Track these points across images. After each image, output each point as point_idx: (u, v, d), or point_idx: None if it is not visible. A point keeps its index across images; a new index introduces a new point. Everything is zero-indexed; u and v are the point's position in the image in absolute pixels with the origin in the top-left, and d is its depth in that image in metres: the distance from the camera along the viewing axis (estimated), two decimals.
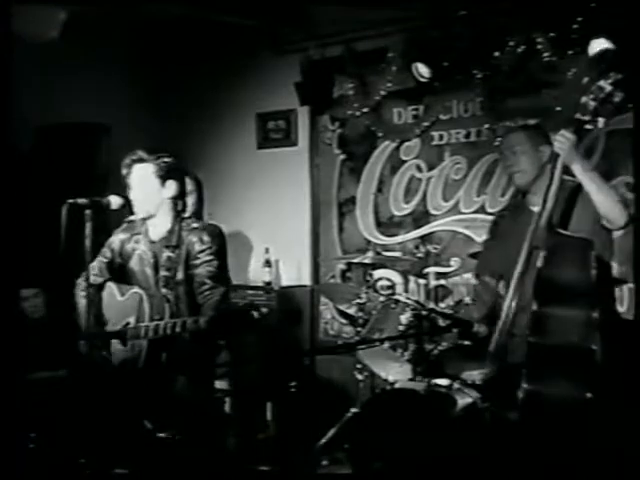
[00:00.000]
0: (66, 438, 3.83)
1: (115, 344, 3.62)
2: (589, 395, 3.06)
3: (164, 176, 3.66)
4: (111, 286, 3.77)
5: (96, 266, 3.74)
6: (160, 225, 3.71)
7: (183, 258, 3.63)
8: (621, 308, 4.38)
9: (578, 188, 3.43)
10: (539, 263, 3.25)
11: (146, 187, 3.65)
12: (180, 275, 3.63)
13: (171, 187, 3.69)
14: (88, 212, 3.44)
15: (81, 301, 3.76)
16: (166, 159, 3.68)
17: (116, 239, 3.81)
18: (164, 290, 3.62)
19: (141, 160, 3.66)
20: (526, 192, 3.68)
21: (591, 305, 3.17)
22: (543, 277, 3.23)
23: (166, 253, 3.65)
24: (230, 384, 4.91)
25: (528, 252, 3.36)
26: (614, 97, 3.24)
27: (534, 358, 3.17)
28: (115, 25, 5.82)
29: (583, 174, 3.35)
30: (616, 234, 3.48)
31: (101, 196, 3.57)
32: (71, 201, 3.43)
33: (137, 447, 3.61)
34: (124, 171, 3.69)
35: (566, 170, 3.36)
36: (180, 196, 3.77)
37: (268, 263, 5.75)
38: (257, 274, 5.94)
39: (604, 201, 3.34)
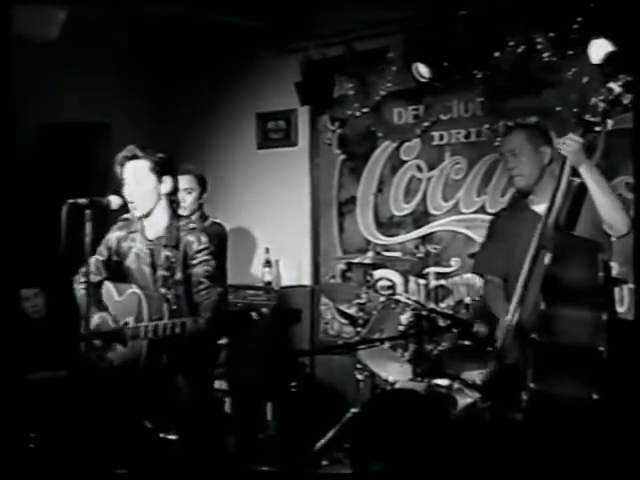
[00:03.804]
0: (66, 438, 3.83)
1: (115, 344, 3.61)
2: (595, 396, 3.06)
3: (160, 172, 3.65)
4: (108, 285, 3.77)
5: (93, 264, 3.73)
6: (157, 223, 3.70)
7: (181, 258, 3.63)
8: (621, 308, 4.38)
9: (583, 188, 3.43)
10: (547, 263, 3.25)
11: (144, 184, 3.64)
12: (179, 275, 3.62)
13: (167, 182, 3.68)
14: (88, 212, 3.44)
15: (79, 296, 3.76)
16: (160, 155, 3.67)
17: (112, 237, 3.80)
18: (163, 290, 3.61)
19: (135, 157, 3.65)
20: (528, 193, 3.67)
21: (599, 306, 3.17)
22: (551, 277, 3.23)
23: (164, 253, 3.64)
24: (230, 384, 4.91)
25: (535, 252, 3.36)
26: (623, 99, 3.25)
27: (541, 358, 3.18)
28: (115, 25, 5.82)
29: (590, 177, 3.35)
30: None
31: (101, 196, 3.57)
32: (71, 201, 3.43)
33: (137, 447, 3.61)
34: (117, 168, 3.68)
35: (572, 171, 3.36)
36: (175, 192, 3.76)
37: (268, 263, 5.75)
38: (257, 274, 5.94)
39: (608, 207, 3.33)
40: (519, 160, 3.60)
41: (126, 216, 3.80)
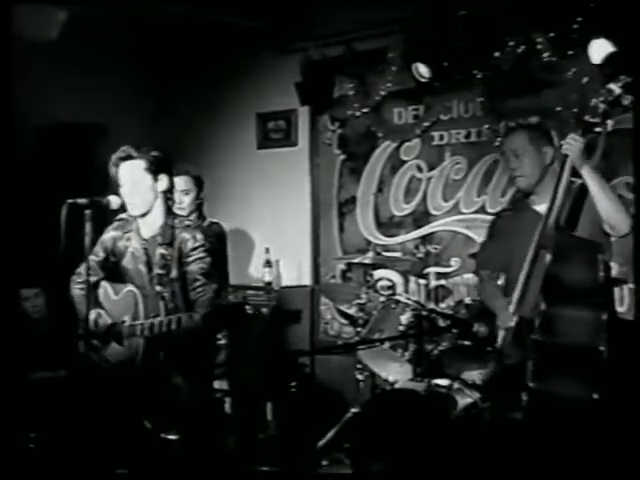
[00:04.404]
0: (66, 438, 3.83)
1: (113, 343, 3.62)
2: (595, 395, 3.07)
3: (156, 170, 3.64)
4: (105, 285, 3.76)
5: (89, 265, 3.72)
6: (152, 222, 3.70)
7: (176, 256, 3.63)
8: (621, 308, 4.38)
9: (583, 189, 3.43)
10: (547, 263, 3.25)
11: (140, 184, 3.63)
12: (174, 272, 3.62)
13: (163, 180, 3.68)
14: (88, 212, 3.44)
15: (76, 297, 3.76)
16: (154, 153, 3.66)
17: (108, 237, 3.80)
18: (158, 288, 3.61)
19: (130, 157, 3.63)
20: (529, 194, 3.67)
21: (599, 306, 3.17)
22: (552, 277, 3.23)
23: (159, 251, 3.64)
24: (230, 384, 4.91)
25: (535, 252, 3.36)
26: (623, 100, 3.25)
27: (541, 357, 3.18)
28: (115, 25, 5.82)
29: (591, 178, 3.35)
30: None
31: (101, 196, 3.57)
32: (71, 201, 3.43)
33: (137, 447, 3.61)
34: (112, 170, 3.67)
35: (573, 172, 3.37)
36: (171, 190, 3.76)
37: (268, 263, 5.75)
38: (257, 274, 5.94)
39: (609, 207, 3.34)
40: (521, 161, 3.60)
41: (121, 216, 3.79)
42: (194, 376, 3.67)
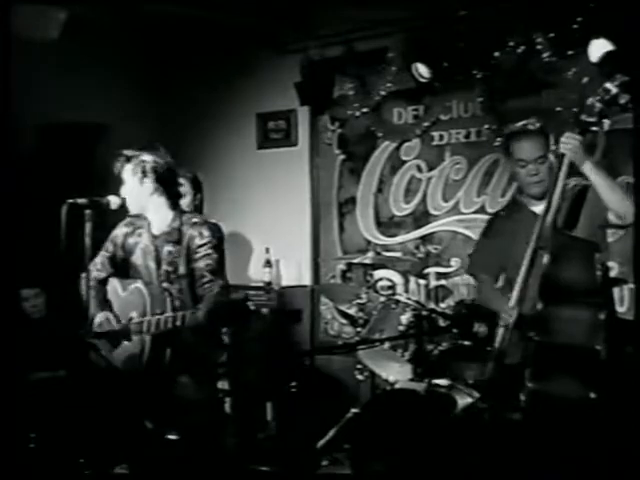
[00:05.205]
0: (66, 438, 3.84)
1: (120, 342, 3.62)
2: (593, 395, 3.07)
3: (155, 173, 3.66)
4: (114, 282, 3.78)
5: (98, 261, 3.77)
6: (161, 220, 3.72)
7: (184, 252, 3.65)
8: (621, 308, 4.38)
9: (582, 190, 3.43)
10: (544, 263, 3.25)
11: (138, 187, 3.65)
12: (182, 269, 3.65)
13: (164, 182, 3.69)
14: (88, 212, 3.45)
15: (85, 296, 3.77)
16: (153, 156, 3.67)
17: (119, 232, 3.83)
18: (165, 284, 3.63)
19: (130, 159, 3.66)
20: (541, 197, 3.62)
21: (596, 305, 3.18)
22: (549, 277, 3.23)
23: (167, 247, 3.67)
24: (230, 384, 4.91)
25: (533, 252, 3.36)
26: (620, 99, 3.24)
27: (539, 357, 3.18)
28: (115, 25, 5.82)
29: (593, 174, 3.34)
30: (615, 236, 3.48)
31: (101, 196, 3.58)
32: (71, 201, 3.44)
33: (137, 447, 3.61)
34: (116, 169, 3.69)
35: (570, 172, 3.36)
36: (176, 189, 3.77)
37: (268, 263, 5.75)
38: (257, 274, 5.94)
39: (615, 197, 3.32)
40: (543, 166, 3.55)
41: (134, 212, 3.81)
42: (199, 372, 3.68)
